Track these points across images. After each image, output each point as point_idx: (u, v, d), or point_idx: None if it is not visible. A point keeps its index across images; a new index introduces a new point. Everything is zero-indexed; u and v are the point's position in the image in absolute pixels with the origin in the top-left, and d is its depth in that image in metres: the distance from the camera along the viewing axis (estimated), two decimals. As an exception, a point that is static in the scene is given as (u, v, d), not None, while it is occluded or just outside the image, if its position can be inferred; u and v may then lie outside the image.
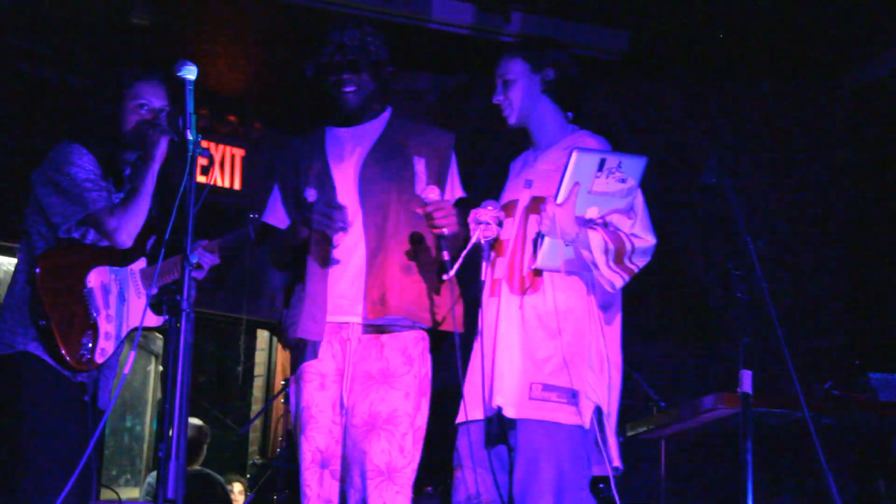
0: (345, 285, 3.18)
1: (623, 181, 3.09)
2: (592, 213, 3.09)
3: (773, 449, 3.74)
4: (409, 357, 3.19)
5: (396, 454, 3.10)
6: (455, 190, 3.34)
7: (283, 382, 5.20)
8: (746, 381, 2.93)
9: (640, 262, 3.15)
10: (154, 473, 6.22)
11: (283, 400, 5.13)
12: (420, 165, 3.29)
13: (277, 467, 5.11)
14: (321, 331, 3.17)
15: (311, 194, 3.22)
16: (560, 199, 3.02)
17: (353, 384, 3.16)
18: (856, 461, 4.43)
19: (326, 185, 3.23)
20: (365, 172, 3.24)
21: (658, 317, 5.69)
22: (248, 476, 5.62)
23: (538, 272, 3.16)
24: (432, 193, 3.08)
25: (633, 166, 3.08)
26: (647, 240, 3.14)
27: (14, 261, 3.64)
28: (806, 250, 5.74)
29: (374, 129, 3.32)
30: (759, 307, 2.95)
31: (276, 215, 3.34)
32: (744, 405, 2.92)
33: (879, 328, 5.38)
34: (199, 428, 6.36)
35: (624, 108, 6.01)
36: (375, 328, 3.18)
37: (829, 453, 2.83)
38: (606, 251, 3.07)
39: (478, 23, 5.56)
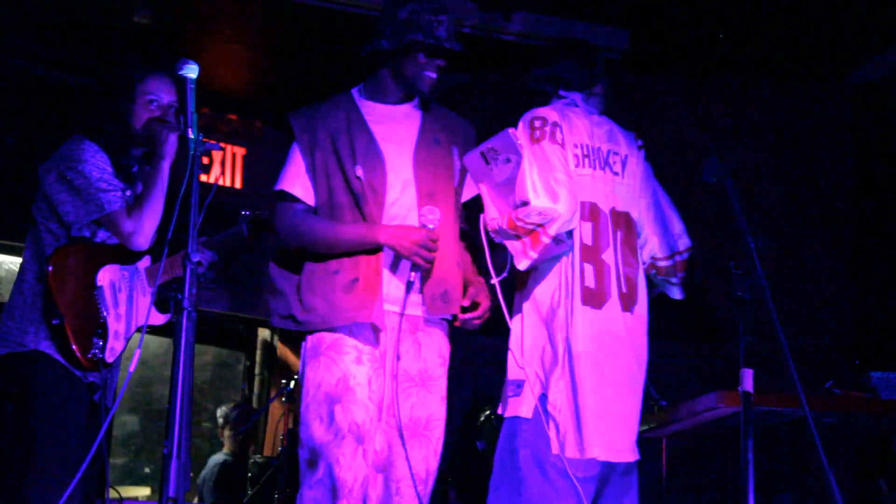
0: (400, 276, 3.12)
1: (508, 161, 3.18)
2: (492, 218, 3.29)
3: (773, 448, 3.74)
4: (444, 358, 3.21)
5: (433, 459, 3.14)
6: (471, 186, 3.35)
7: (282, 382, 5.19)
8: (747, 379, 2.93)
9: (529, 219, 3.22)
10: (205, 470, 6.25)
11: (283, 399, 5.13)
12: (456, 155, 3.29)
13: (278, 466, 5.11)
14: (381, 316, 3.08)
15: (359, 171, 3.13)
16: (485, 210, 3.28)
17: (393, 381, 3.09)
18: (857, 460, 4.43)
19: (377, 165, 3.15)
20: (418, 156, 3.19)
21: (658, 316, 5.69)
22: (249, 475, 5.61)
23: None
24: (432, 215, 3.11)
25: (506, 144, 3.18)
26: (528, 199, 3.22)
27: (14, 259, 3.64)
28: (807, 249, 5.74)
29: (413, 112, 3.27)
30: (760, 306, 2.95)
31: (301, 185, 3.20)
32: (745, 404, 2.92)
33: (880, 327, 5.38)
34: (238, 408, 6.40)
35: (624, 106, 6.00)
36: (413, 321, 3.15)
37: (829, 452, 2.84)
38: (498, 230, 3.28)
39: (479, 22, 5.56)
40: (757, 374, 3.00)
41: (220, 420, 6.42)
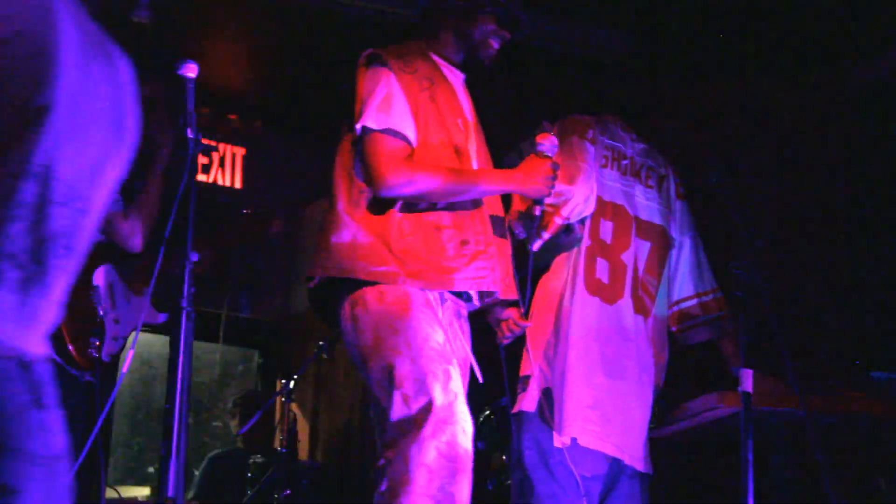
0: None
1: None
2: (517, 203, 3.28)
3: (773, 448, 3.74)
4: (470, 347, 3.12)
5: None
6: None
7: (282, 382, 5.19)
8: (747, 379, 2.93)
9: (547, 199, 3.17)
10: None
11: (283, 399, 5.13)
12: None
13: (278, 466, 5.10)
14: (496, 285, 2.94)
15: (460, 124, 3.02)
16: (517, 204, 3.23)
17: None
18: (856, 460, 4.42)
19: (462, 129, 3.04)
20: (477, 131, 3.13)
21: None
22: (249, 475, 5.61)
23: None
24: (549, 142, 2.99)
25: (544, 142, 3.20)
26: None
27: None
28: (806, 249, 5.73)
29: (460, 81, 3.15)
30: (759, 306, 2.95)
31: (410, 127, 2.93)
32: (745, 404, 2.92)
33: (880, 327, 5.37)
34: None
35: (624, 107, 6.00)
36: (458, 304, 3.04)
37: (829, 452, 2.84)
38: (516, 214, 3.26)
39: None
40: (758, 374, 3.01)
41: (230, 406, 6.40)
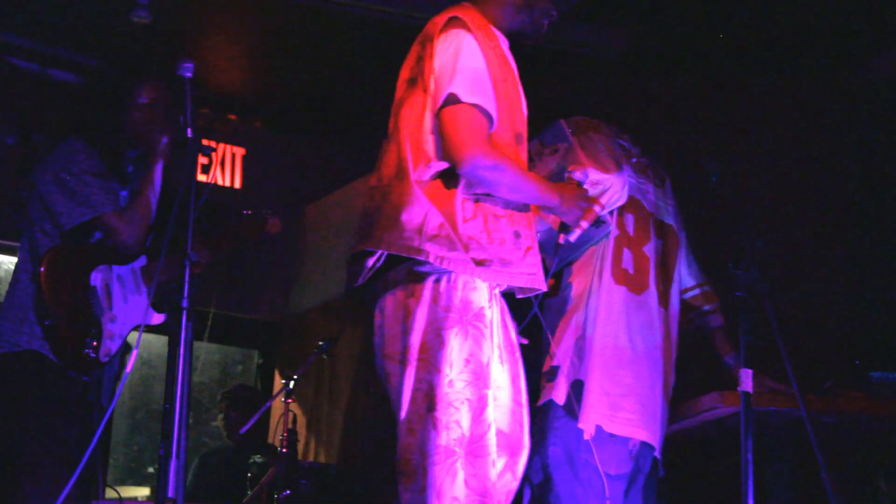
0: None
1: (556, 151, 3.19)
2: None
3: (773, 448, 3.74)
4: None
5: None
6: None
7: (282, 382, 5.19)
8: (747, 379, 2.93)
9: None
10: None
11: (283, 399, 5.12)
12: None
13: (278, 466, 5.10)
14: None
15: (525, 109, 2.93)
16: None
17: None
18: (855, 460, 4.42)
19: (524, 114, 2.94)
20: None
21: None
22: (249, 475, 5.61)
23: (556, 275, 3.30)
24: (582, 174, 3.00)
25: (556, 133, 3.18)
26: (583, 171, 3.14)
27: (14, 259, 3.64)
28: (807, 249, 5.73)
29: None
30: (759, 306, 2.96)
31: (495, 108, 2.78)
32: (744, 404, 2.92)
33: (880, 327, 5.37)
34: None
35: (623, 107, 6.00)
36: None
37: (828, 452, 2.83)
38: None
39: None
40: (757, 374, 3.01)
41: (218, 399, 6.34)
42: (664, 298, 3.48)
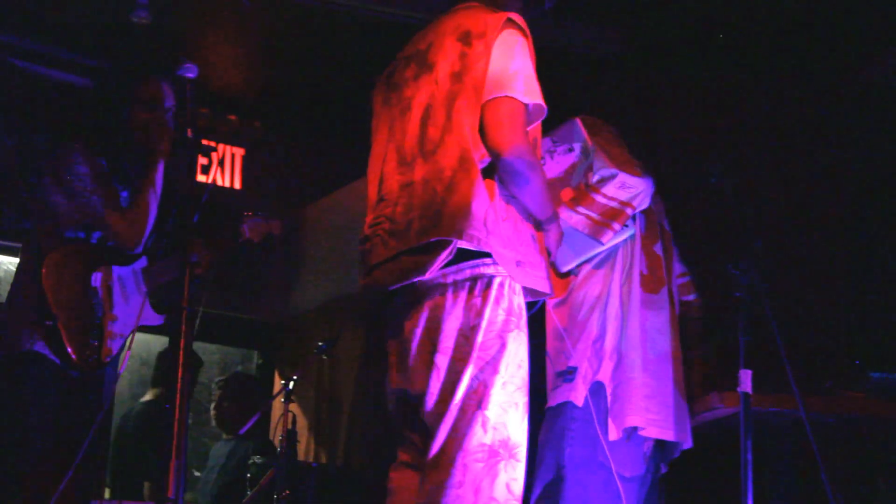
0: None
1: (571, 150, 3.19)
2: (567, 194, 3.22)
3: (772, 448, 3.74)
4: None
5: None
6: None
7: (282, 382, 5.19)
8: (746, 380, 2.93)
9: (615, 192, 3.20)
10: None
11: (282, 399, 5.12)
12: None
13: (278, 466, 5.10)
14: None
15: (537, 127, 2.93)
16: None
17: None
18: (855, 460, 4.42)
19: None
20: None
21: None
22: (249, 475, 5.60)
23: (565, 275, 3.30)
24: None
25: (571, 132, 3.17)
26: (613, 175, 3.20)
27: (14, 260, 3.64)
28: (806, 249, 5.73)
29: None
30: (759, 306, 2.95)
31: (542, 112, 2.85)
32: (744, 405, 2.92)
33: (880, 327, 5.37)
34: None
35: (623, 107, 6.01)
36: None
37: (828, 453, 2.83)
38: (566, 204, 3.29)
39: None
40: (757, 375, 3.01)
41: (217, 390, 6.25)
42: (671, 296, 3.49)
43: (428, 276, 2.66)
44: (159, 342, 6.78)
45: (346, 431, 6.31)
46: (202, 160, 2.70)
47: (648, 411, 3.28)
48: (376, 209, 2.85)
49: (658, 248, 3.48)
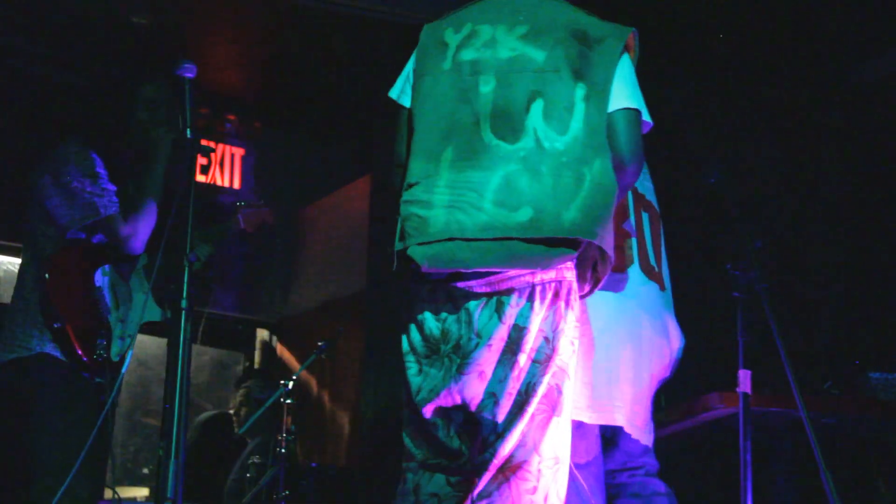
0: None
1: None
2: None
3: (772, 448, 3.74)
4: None
5: None
6: None
7: (281, 382, 5.19)
8: (745, 380, 2.93)
9: None
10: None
11: (282, 399, 5.12)
12: None
13: (278, 467, 5.10)
14: None
15: None
16: None
17: None
18: (855, 461, 4.42)
19: None
20: None
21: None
22: (248, 475, 5.60)
23: None
24: None
25: None
26: None
27: (14, 260, 3.64)
28: (806, 249, 5.73)
29: None
30: (759, 307, 2.95)
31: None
32: (743, 405, 2.92)
33: (880, 327, 5.38)
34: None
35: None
36: None
37: (828, 453, 2.83)
38: None
39: (478, 22, 5.54)
40: (756, 375, 3.00)
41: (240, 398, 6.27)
42: (651, 273, 3.24)
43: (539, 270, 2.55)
44: (155, 343, 6.78)
45: (346, 432, 6.31)
46: (202, 160, 2.70)
47: (597, 398, 3.07)
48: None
49: (628, 226, 3.25)
